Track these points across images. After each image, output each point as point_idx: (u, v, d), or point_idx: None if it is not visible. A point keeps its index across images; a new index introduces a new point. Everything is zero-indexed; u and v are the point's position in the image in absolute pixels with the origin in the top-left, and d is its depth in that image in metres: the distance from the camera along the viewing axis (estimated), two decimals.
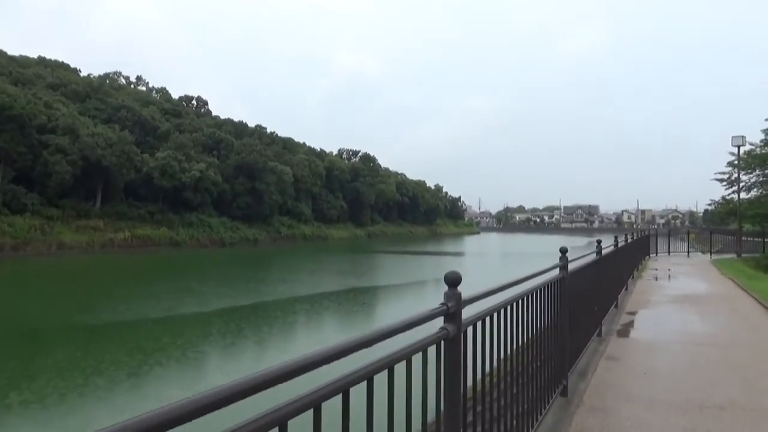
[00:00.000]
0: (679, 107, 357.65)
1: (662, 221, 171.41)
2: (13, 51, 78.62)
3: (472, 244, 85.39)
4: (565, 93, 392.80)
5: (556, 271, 4.69)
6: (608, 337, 7.23)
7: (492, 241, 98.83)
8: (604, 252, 7.72)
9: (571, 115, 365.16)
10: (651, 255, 23.65)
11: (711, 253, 25.47)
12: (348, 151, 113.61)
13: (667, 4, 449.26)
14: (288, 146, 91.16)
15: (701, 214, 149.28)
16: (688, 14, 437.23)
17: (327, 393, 1.53)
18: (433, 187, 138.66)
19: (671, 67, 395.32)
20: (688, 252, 26.14)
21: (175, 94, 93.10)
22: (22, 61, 72.48)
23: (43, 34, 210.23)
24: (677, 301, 10.83)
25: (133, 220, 57.34)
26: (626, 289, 12.04)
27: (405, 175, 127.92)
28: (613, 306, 9.35)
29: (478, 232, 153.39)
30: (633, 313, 9.29)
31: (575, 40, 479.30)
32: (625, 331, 7.72)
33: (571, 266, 5.30)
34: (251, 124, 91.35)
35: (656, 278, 16.17)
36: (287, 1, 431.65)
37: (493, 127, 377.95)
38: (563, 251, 4.73)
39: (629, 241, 12.19)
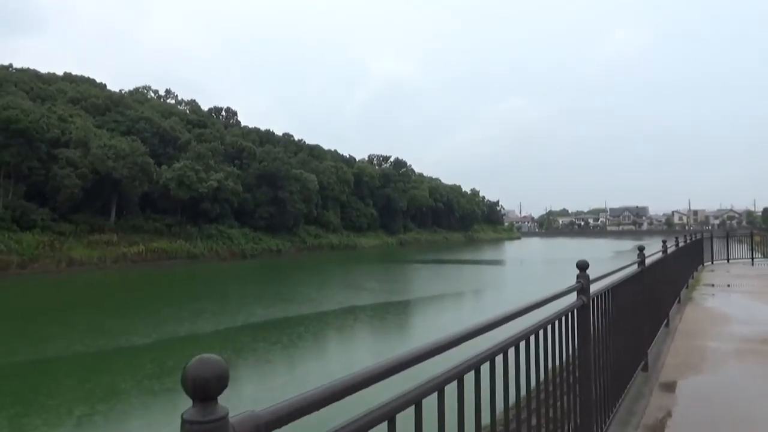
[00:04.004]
0: (730, 103, 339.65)
1: (717, 222, 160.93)
2: (68, 71, 78.59)
3: (503, 251, 79.61)
4: (607, 93, 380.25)
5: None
6: None
7: (528, 247, 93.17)
8: (613, 282, 3.94)
9: (615, 114, 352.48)
10: (705, 264, 19.16)
11: None
12: (378, 156, 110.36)
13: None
14: (315, 153, 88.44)
15: (760, 214, 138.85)
16: (733, 9, 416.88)
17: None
18: (469, 192, 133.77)
19: (721, 61, 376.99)
20: (753, 259, 21.32)
21: (212, 107, 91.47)
22: (48, 78, 72.14)
23: (92, 54, 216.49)
24: (755, 353, 6.37)
25: (150, 234, 55.29)
26: (667, 324, 7.97)
27: (440, 180, 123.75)
28: (639, 368, 5.45)
29: (519, 237, 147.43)
30: (672, 388, 5.09)
31: (617, 39, 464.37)
32: None
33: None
34: (292, 135, 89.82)
35: (713, 295, 12.16)
36: (325, 13, 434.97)
37: (532, 129, 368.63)
38: None
39: (668, 252, 8.06)
